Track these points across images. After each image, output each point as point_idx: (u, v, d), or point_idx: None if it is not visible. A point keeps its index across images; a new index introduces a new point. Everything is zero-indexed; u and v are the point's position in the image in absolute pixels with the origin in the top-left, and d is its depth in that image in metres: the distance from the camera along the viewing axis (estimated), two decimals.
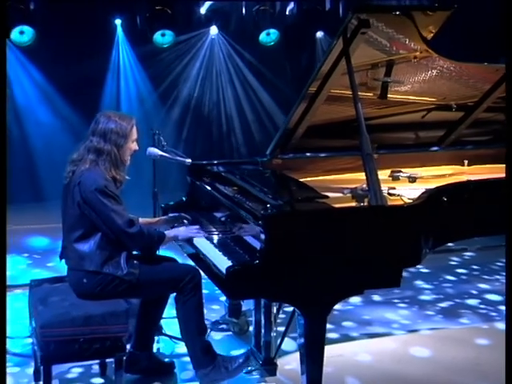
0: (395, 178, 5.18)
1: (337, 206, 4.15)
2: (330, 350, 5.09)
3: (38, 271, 7.05)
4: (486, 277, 6.89)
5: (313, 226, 3.82)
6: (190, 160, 4.85)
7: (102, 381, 4.68)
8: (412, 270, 7.08)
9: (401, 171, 5.29)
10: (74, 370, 4.77)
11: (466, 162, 5.59)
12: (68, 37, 9.76)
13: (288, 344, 5.09)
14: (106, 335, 4.13)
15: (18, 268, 7.25)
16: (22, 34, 9.40)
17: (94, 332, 4.10)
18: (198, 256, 4.41)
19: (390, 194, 4.59)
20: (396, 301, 6.21)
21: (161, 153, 4.73)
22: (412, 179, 5.10)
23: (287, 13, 10.72)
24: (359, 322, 5.72)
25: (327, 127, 5.25)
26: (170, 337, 5.10)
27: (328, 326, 5.46)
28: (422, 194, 4.27)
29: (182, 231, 4.53)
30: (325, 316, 3.94)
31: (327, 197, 4.30)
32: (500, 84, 5.18)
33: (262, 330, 4.70)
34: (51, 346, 4.05)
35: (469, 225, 4.52)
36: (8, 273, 6.82)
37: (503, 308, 5.94)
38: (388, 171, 5.31)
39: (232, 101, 11.06)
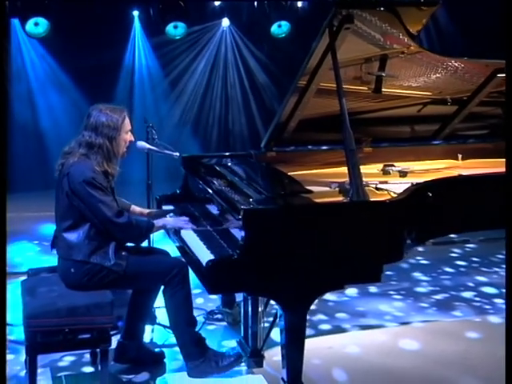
0: (386, 172, 5.06)
1: (319, 200, 4.07)
2: (319, 342, 5.10)
3: (47, 258, 6.98)
4: (484, 269, 6.74)
5: (292, 222, 3.73)
6: (178, 153, 4.78)
7: (92, 369, 4.63)
8: (411, 261, 7.00)
9: (393, 165, 5.17)
10: (66, 359, 4.73)
11: (460, 156, 5.45)
12: (82, 28, 9.72)
13: (278, 335, 5.01)
14: (91, 326, 4.06)
15: (27, 255, 7.24)
16: (36, 26, 9.34)
17: (78, 323, 4.03)
18: (184, 249, 4.34)
19: (377, 189, 4.48)
20: (392, 292, 6.09)
21: (149, 146, 4.66)
22: (403, 173, 4.98)
23: (299, 5, 10.56)
24: (353, 313, 5.61)
25: (320, 121, 5.14)
26: (164, 326, 5.03)
27: (321, 317, 5.52)
28: (407, 189, 4.15)
29: (170, 221, 4.48)
30: (305, 310, 3.85)
31: (311, 191, 4.21)
32: (492, 78, 5.05)
33: (250, 322, 4.62)
34: (36, 336, 4.00)
35: (455, 220, 4.41)
36: (17, 259, 6.88)
37: (498, 301, 5.84)
38: (381, 165, 5.20)
39: (239, 92, 10.95)
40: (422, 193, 4.18)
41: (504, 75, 4.94)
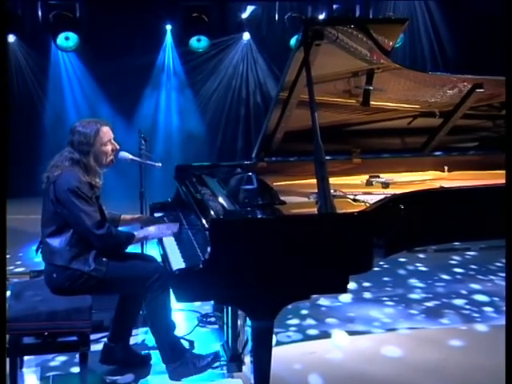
0: (369, 184, 4.89)
1: (295, 211, 3.95)
2: (304, 347, 4.96)
3: None
4: (480, 277, 6.49)
5: (256, 233, 3.61)
6: (160, 164, 4.70)
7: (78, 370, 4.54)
8: (410, 267, 6.82)
9: (378, 176, 5.01)
10: (58, 359, 4.65)
11: (446, 168, 5.25)
12: (110, 41, 9.72)
13: None
14: (70, 330, 4.00)
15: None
16: (67, 40, 9.38)
17: (58, 327, 3.98)
18: (164, 256, 4.24)
19: (354, 200, 4.33)
20: (385, 299, 5.91)
21: (131, 157, 4.56)
22: (385, 185, 4.81)
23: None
24: (343, 319, 5.44)
25: (306, 132, 4.98)
26: None
27: (311, 322, 5.38)
28: (378, 201, 4.00)
29: (152, 231, 4.36)
30: (271, 319, 3.71)
31: (285, 203, 4.07)
32: (471, 93, 4.87)
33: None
34: (17, 339, 3.95)
35: (429, 231, 4.21)
36: (28, 262, 6.84)
37: (487, 309, 5.63)
38: (367, 176, 5.04)
39: (259, 104, 10.85)
40: (394, 205, 4.01)
41: (482, 90, 4.78)
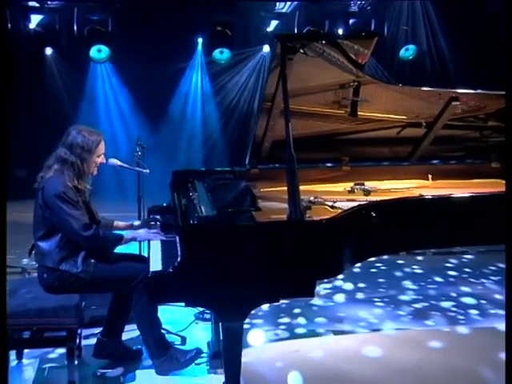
0: (351, 191, 4.73)
1: (274, 217, 3.81)
2: (289, 345, 4.82)
3: None
4: (472, 280, 6.24)
5: (223, 239, 3.47)
6: (147, 170, 4.61)
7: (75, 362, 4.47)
8: (406, 270, 6.62)
9: (363, 184, 4.84)
10: (58, 351, 4.58)
11: (430, 176, 5.05)
12: (142, 52, 9.68)
13: (253, 337, 4.81)
14: (57, 326, 3.96)
15: None
16: (99, 52, 9.39)
17: (45, 323, 3.93)
18: (148, 258, 4.15)
19: (332, 207, 4.18)
20: (376, 299, 5.72)
21: (119, 163, 4.47)
22: (367, 192, 4.64)
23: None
24: (332, 318, 5.28)
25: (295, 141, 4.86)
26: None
27: (301, 321, 5.23)
28: (349, 208, 3.83)
29: (141, 234, 4.29)
30: (240, 321, 3.57)
31: (260, 209, 3.94)
32: (448, 105, 4.67)
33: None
34: (8, 333, 3.89)
35: (400, 238, 4.01)
36: None
37: (473, 312, 5.43)
38: (352, 184, 4.88)
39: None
40: (366, 212, 3.84)
41: (458, 103, 4.58)
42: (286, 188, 4.70)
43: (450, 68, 10.02)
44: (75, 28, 9.51)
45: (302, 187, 4.74)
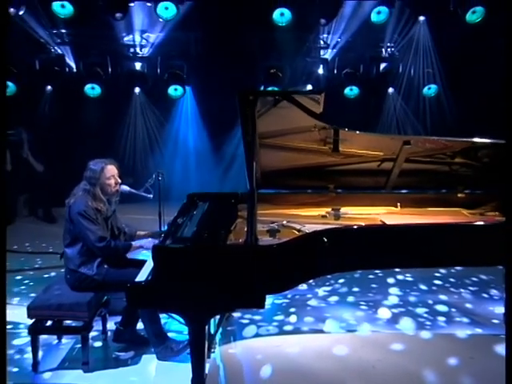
0: (324, 216, 4.55)
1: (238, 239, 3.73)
2: (273, 341, 4.70)
3: None
4: (452, 289, 5.83)
5: (186, 259, 3.42)
6: (151, 195, 4.62)
7: (100, 344, 4.57)
8: (399, 277, 6.27)
9: (339, 209, 4.65)
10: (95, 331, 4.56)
11: (399, 204, 4.79)
12: (212, 90, 9.67)
13: (247, 331, 4.71)
14: (72, 318, 4.06)
15: None
16: (176, 91, 9.54)
17: (62, 315, 4.06)
18: None
19: (298, 231, 4.04)
20: (362, 303, 5.47)
21: (129, 189, 4.50)
22: (336, 217, 4.45)
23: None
24: (318, 318, 5.07)
25: (284, 171, 4.75)
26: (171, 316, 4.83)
27: (292, 319, 5.08)
28: (303, 234, 3.69)
29: (146, 243, 4.31)
30: (203, 327, 3.50)
31: (230, 232, 3.85)
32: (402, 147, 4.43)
33: None
34: (35, 321, 4.03)
35: (344, 260, 3.81)
36: None
37: (441, 319, 5.09)
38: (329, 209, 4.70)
39: None
40: (318, 237, 3.68)
41: (409, 146, 4.34)
42: (277, 211, 4.69)
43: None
44: (158, 71, 9.70)
45: (284, 211, 4.70)
